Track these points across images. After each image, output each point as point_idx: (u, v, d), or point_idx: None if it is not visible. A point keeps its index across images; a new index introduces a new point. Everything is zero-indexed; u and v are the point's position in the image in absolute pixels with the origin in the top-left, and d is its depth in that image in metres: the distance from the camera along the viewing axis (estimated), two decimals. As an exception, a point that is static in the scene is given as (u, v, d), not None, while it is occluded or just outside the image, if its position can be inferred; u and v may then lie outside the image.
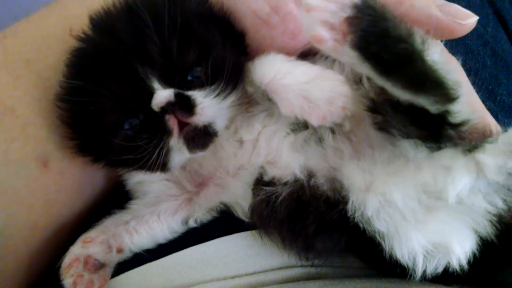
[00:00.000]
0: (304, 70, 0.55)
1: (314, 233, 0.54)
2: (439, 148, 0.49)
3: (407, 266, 0.51)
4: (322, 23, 0.42)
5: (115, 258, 0.64)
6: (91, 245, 0.63)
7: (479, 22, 0.80)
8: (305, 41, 0.60)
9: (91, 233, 0.64)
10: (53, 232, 0.65)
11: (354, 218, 0.51)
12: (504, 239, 0.49)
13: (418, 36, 0.43)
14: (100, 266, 0.63)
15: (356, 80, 0.57)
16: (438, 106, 0.44)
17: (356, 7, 0.41)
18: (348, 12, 0.41)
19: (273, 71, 0.55)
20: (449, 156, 0.47)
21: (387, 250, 0.50)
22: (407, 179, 0.49)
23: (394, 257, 0.51)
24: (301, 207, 0.55)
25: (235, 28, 0.61)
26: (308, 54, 0.64)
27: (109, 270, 0.64)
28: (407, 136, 0.49)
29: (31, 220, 0.61)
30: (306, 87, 0.53)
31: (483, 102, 0.74)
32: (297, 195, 0.55)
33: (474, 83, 0.75)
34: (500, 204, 0.47)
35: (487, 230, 0.48)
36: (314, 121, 0.52)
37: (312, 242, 0.55)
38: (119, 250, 0.64)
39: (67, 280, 0.60)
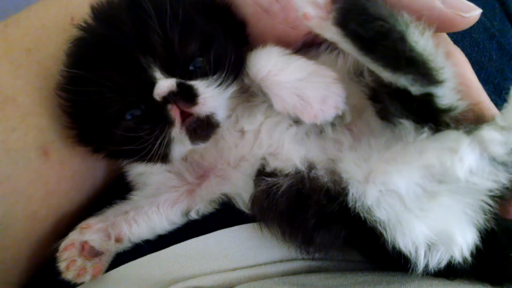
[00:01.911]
0: (299, 66, 0.55)
1: (314, 227, 0.54)
2: (439, 130, 0.49)
3: (409, 258, 0.51)
4: (311, 2, 0.46)
5: (113, 247, 0.64)
6: (89, 231, 0.63)
7: (485, 15, 0.80)
8: (307, 30, 0.60)
9: (90, 220, 0.64)
10: (53, 222, 0.65)
11: (355, 208, 0.51)
12: (503, 224, 0.51)
13: (402, 18, 0.46)
14: (96, 253, 0.63)
15: (358, 73, 0.57)
16: (418, 86, 0.46)
17: None
18: None
19: (268, 66, 0.55)
20: (452, 138, 0.48)
21: (389, 240, 0.50)
22: (410, 163, 0.49)
23: (397, 248, 0.50)
24: (301, 199, 0.55)
25: (236, 18, 0.61)
26: (312, 45, 0.63)
27: (105, 259, 0.64)
28: (406, 119, 0.50)
29: (31, 210, 0.61)
30: (299, 85, 0.53)
31: (489, 96, 0.74)
32: (298, 187, 0.55)
33: (479, 77, 0.75)
34: (504, 181, 0.47)
35: (488, 214, 0.48)
36: (306, 119, 0.53)
37: (312, 236, 0.55)
38: (118, 240, 0.64)
39: (60, 263, 0.61)
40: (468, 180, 0.47)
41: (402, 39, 0.44)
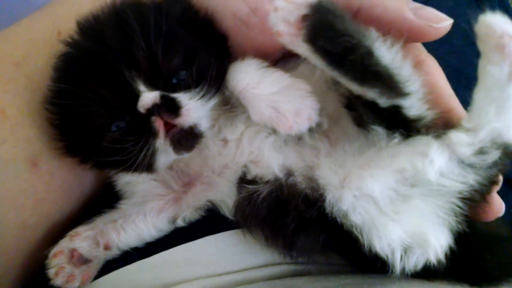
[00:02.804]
0: (274, 80, 0.57)
1: (293, 231, 0.56)
2: (410, 136, 0.51)
3: (386, 261, 0.52)
4: (283, 20, 0.47)
5: (102, 254, 0.66)
6: (78, 239, 0.64)
7: (465, 21, 0.81)
8: None
9: (79, 228, 0.66)
10: (44, 231, 0.66)
11: (332, 213, 0.53)
12: (474, 226, 0.53)
13: (369, 33, 0.47)
14: (85, 261, 0.64)
15: (335, 82, 0.58)
16: (384, 99, 0.48)
17: (309, 6, 0.46)
18: (303, 11, 0.46)
19: (246, 79, 0.57)
20: (422, 142, 0.49)
21: (365, 244, 0.52)
22: (383, 168, 0.51)
23: (373, 251, 0.52)
24: (280, 205, 0.56)
25: (218, 31, 0.62)
26: (291, 55, 0.65)
27: (93, 267, 0.65)
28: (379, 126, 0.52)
29: (22, 219, 0.62)
30: (275, 98, 0.56)
31: (469, 102, 0.75)
32: (277, 194, 0.57)
33: (459, 83, 0.76)
34: (472, 182, 0.49)
35: (460, 217, 0.50)
36: (281, 130, 0.56)
37: (292, 241, 0.57)
38: (106, 247, 0.65)
39: (50, 270, 0.63)
40: (439, 183, 0.49)
41: (368, 54, 0.46)
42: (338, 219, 0.52)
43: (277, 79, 0.57)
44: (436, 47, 0.74)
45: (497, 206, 0.54)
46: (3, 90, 0.62)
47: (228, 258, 0.63)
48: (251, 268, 0.64)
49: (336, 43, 0.45)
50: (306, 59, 0.61)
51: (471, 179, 0.49)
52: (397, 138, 0.51)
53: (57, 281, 0.62)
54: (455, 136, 0.48)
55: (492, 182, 0.50)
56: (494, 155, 0.48)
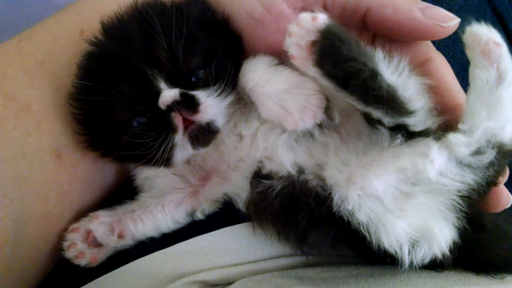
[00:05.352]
0: (283, 78, 0.59)
1: (305, 228, 0.58)
2: (411, 138, 0.53)
3: (395, 256, 0.54)
4: (296, 45, 0.51)
5: (114, 242, 0.68)
6: (95, 222, 0.67)
7: (476, 20, 0.82)
8: None
9: (100, 212, 0.69)
10: (67, 222, 0.68)
11: (339, 212, 0.55)
12: (474, 220, 0.54)
13: (375, 55, 0.50)
14: (97, 244, 0.68)
15: None
16: (389, 119, 0.51)
17: (318, 31, 0.49)
18: (312, 37, 0.49)
19: (255, 78, 0.60)
20: (423, 143, 0.51)
21: (374, 241, 0.53)
22: (386, 167, 0.52)
23: (382, 247, 0.54)
24: (293, 202, 0.58)
25: (233, 31, 0.65)
26: None
27: (103, 252, 0.69)
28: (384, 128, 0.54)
29: (46, 210, 0.65)
30: (282, 96, 0.58)
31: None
32: (289, 190, 0.59)
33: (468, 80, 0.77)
34: (470, 182, 0.50)
35: (460, 211, 0.52)
36: (288, 126, 0.58)
37: (303, 236, 0.59)
38: (120, 236, 0.67)
39: (65, 242, 0.67)
40: (439, 182, 0.50)
41: (371, 77, 0.48)
42: (345, 218, 0.54)
43: (285, 78, 0.59)
44: (448, 46, 0.76)
45: (505, 198, 0.55)
46: (29, 86, 0.65)
47: (244, 249, 0.66)
48: (266, 259, 0.66)
49: (340, 68, 0.48)
50: None
51: (469, 178, 0.51)
52: (399, 139, 0.53)
53: (68, 254, 0.67)
54: (453, 137, 0.50)
55: (490, 182, 0.52)
56: (490, 155, 0.49)
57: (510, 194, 0.56)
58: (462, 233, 0.54)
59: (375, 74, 0.48)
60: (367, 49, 0.50)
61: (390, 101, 0.49)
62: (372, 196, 0.53)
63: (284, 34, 0.61)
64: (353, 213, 0.53)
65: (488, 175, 0.51)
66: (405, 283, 0.56)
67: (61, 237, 0.68)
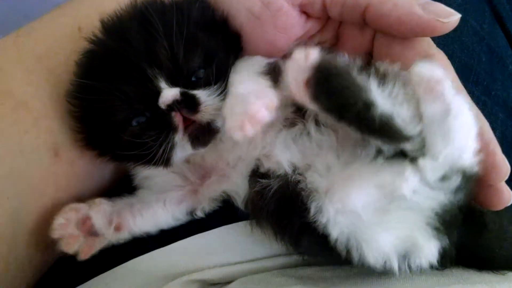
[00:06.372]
0: (251, 84, 0.59)
1: (298, 231, 0.58)
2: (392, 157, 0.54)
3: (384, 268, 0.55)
4: (294, 80, 0.52)
5: (110, 235, 0.65)
6: (96, 208, 0.64)
7: (474, 19, 0.83)
8: (297, 36, 0.63)
9: (102, 200, 0.66)
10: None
11: (316, 223, 0.55)
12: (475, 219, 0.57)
13: (368, 85, 0.51)
14: (93, 233, 0.64)
15: None
16: (387, 146, 0.52)
17: (311, 68, 0.50)
18: (307, 74, 0.51)
19: (235, 79, 0.60)
20: (400, 164, 0.53)
21: (357, 259, 0.55)
22: (366, 183, 0.54)
23: (366, 265, 0.55)
24: (287, 202, 0.58)
25: (233, 30, 0.64)
26: None
27: (98, 243, 0.65)
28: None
29: (43, 207, 0.64)
30: (237, 99, 0.57)
31: (478, 97, 0.77)
32: (284, 190, 0.59)
33: (468, 79, 0.78)
34: (442, 203, 0.53)
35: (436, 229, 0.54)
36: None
37: (297, 240, 0.59)
38: (118, 228, 0.65)
39: (57, 219, 0.62)
40: (413, 200, 0.52)
41: (365, 109, 0.49)
42: (320, 231, 0.55)
43: (253, 84, 0.59)
44: (447, 44, 0.76)
45: (506, 195, 0.55)
46: (26, 83, 0.64)
47: (243, 248, 0.66)
48: (265, 258, 0.66)
49: (333, 103, 0.50)
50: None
51: (440, 200, 0.53)
52: (381, 157, 0.54)
53: (56, 234, 0.62)
54: (422, 162, 0.51)
55: (460, 206, 0.54)
56: (455, 180, 0.52)
57: (511, 192, 0.56)
58: (463, 232, 0.55)
59: (367, 106, 0.49)
60: (360, 79, 0.52)
61: (385, 131, 0.50)
62: (350, 213, 0.53)
63: (283, 30, 0.61)
64: (327, 227, 0.54)
65: (458, 199, 0.53)
66: (405, 281, 0.56)
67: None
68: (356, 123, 0.50)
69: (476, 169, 0.53)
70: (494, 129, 0.57)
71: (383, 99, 0.51)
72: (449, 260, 0.56)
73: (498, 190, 0.55)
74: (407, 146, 0.52)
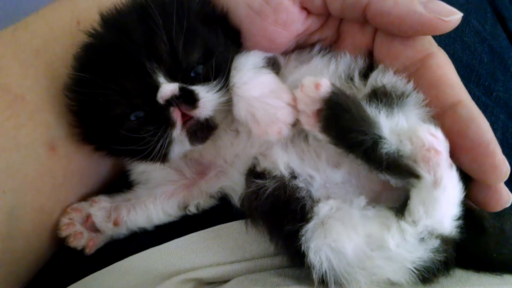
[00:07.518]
0: (260, 83, 0.59)
1: (287, 236, 0.57)
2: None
3: None
4: (302, 111, 0.55)
5: (110, 230, 0.67)
6: (96, 206, 0.67)
7: (476, 19, 0.82)
8: (297, 32, 0.63)
9: (101, 197, 0.68)
10: (60, 216, 0.67)
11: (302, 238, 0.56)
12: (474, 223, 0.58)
13: (378, 120, 0.53)
14: (95, 229, 0.67)
15: (348, 78, 0.61)
16: (397, 182, 0.54)
17: (322, 101, 0.52)
18: (317, 106, 0.53)
19: (235, 78, 0.59)
20: (388, 216, 0.55)
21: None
22: (358, 229, 0.55)
23: None
24: (281, 205, 0.58)
25: (233, 25, 0.64)
26: (305, 46, 0.66)
27: (101, 239, 0.68)
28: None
29: (39, 203, 0.64)
30: (253, 103, 0.57)
31: (479, 98, 0.76)
32: (279, 192, 0.58)
33: (470, 79, 0.77)
34: (423, 259, 0.53)
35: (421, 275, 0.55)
36: (254, 133, 0.58)
37: (287, 245, 0.58)
38: (116, 223, 0.67)
39: (63, 220, 0.67)
40: (397, 252, 0.53)
41: (373, 145, 0.51)
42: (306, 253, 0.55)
43: (262, 83, 0.59)
44: (448, 44, 0.75)
45: (505, 197, 0.55)
46: (23, 76, 0.63)
47: (241, 246, 0.65)
48: (262, 257, 0.65)
49: (345, 138, 0.52)
50: (320, 52, 0.64)
51: (421, 258, 0.53)
52: (370, 209, 0.56)
53: (65, 232, 0.66)
54: (403, 224, 0.53)
55: (439, 266, 0.54)
56: (434, 243, 0.53)
57: (510, 193, 0.55)
58: (462, 236, 0.55)
59: (376, 142, 0.51)
60: (370, 113, 0.53)
61: (393, 167, 0.52)
62: (339, 252, 0.54)
63: (283, 26, 0.61)
64: (309, 250, 0.55)
65: (438, 259, 0.54)
66: None
67: (54, 231, 0.67)
68: (365, 159, 0.52)
69: (455, 233, 0.54)
70: (494, 130, 0.56)
71: (392, 134, 0.53)
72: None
73: (497, 191, 0.55)
74: (415, 182, 0.53)
